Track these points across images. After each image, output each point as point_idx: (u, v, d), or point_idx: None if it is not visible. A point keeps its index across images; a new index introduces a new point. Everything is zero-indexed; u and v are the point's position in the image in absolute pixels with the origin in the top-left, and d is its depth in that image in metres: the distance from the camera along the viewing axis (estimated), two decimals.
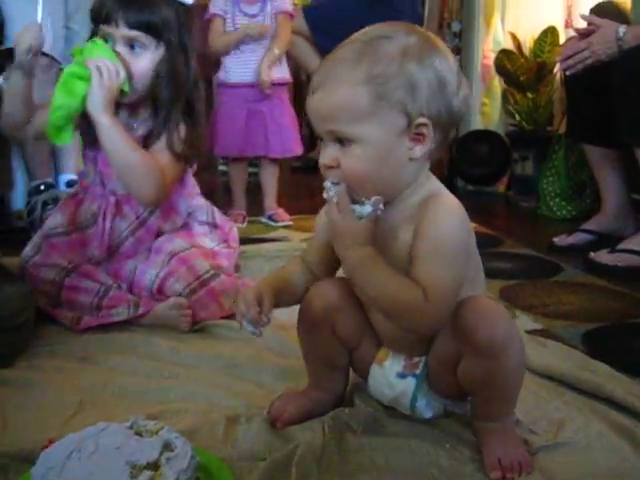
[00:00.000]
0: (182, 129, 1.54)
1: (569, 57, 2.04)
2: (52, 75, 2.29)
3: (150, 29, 1.48)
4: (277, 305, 1.01)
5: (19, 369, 1.24)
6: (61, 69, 2.27)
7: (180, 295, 1.50)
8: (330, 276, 1.06)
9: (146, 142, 1.53)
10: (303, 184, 3.31)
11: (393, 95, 0.87)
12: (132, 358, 1.32)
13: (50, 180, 2.50)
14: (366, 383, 1.07)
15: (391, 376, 1.01)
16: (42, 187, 2.44)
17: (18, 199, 2.56)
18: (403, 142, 0.89)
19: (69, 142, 1.49)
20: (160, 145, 1.52)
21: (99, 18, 1.48)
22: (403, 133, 0.89)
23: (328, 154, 0.91)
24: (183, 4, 1.56)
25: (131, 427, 0.88)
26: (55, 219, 1.60)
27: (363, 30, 0.92)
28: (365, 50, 0.88)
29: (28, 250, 1.58)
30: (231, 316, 1.45)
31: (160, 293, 1.52)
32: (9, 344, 1.30)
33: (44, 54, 2.23)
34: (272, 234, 2.36)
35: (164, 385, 1.20)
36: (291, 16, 2.54)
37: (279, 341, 1.36)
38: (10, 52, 1.55)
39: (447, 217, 0.91)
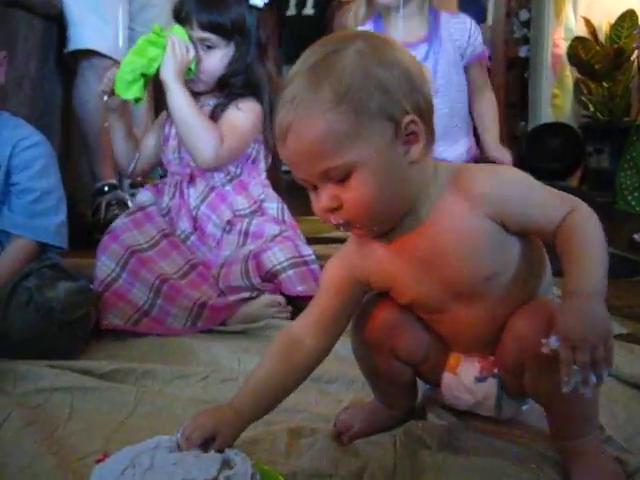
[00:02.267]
0: (249, 103, 1.63)
1: None
2: None
3: (219, 30, 1.61)
4: (259, 417, 0.90)
5: (73, 373, 1.20)
6: None
7: (280, 265, 1.47)
8: (328, 348, 0.94)
9: (214, 110, 1.64)
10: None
11: (370, 104, 0.77)
12: (192, 364, 1.27)
13: (114, 181, 2.49)
14: (438, 391, 0.99)
15: (469, 382, 0.93)
16: (106, 188, 2.44)
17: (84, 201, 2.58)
18: (398, 148, 0.80)
19: (138, 95, 1.59)
20: (224, 116, 1.62)
21: (178, 17, 1.63)
22: (395, 139, 0.79)
23: (326, 196, 0.80)
24: (254, 6, 1.67)
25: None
26: (135, 236, 1.56)
27: (304, 57, 0.82)
28: (319, 72, 0.78)
29: (111, 264, 1.51)
30: None
31: (257, 266, 1.49)
32: (65, 339, 1.31)
33: (106, 56, 2.25)
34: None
35: (223, 392, 1.15)
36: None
37: (347, 348, 1.28)
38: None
39: (496, 172, 0.86)
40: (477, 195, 0.83)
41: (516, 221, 0.83)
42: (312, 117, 0.77)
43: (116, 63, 2.28)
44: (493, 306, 0.87)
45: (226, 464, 0.79)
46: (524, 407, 0.97)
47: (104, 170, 2.39)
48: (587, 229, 0.80)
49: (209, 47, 1.62)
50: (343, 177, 0.79)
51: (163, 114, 1.72)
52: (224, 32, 1.61)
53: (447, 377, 0.96)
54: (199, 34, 1.61)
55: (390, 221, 0.85)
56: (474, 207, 0.83)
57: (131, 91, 1.58)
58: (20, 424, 1.03)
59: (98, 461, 0.83)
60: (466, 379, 0.93)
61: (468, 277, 0.86)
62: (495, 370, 0.92)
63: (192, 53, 1.58)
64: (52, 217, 1.47)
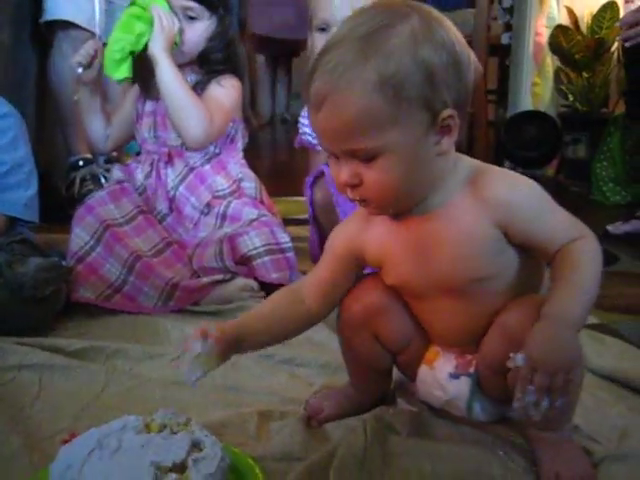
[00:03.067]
0: (231, 80, 1.61)
1: (630, 27, 1.91)
2: None
3: (204, 0, 1.57)
4: (248, 348, 0.92)
5: (43, 351, 1.18)
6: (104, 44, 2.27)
7: (255, 250, 1.46)
8: (326, 314, 0.96)
9: (195, 87, 1.59)
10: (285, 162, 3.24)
11: (412, 93, 0.76)
12: (163, 344, 1.26)
13: (89, 156, 2.45)
14: (414, 386, 0.99)
15: (443, 377, 0.92)
16: (81, 163, 2.40)
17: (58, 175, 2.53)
18: (430, 138, 0.79)
19: (127, 75, 1.55)
20: (207, 93, 1.59)
21: None
22: (429, 129, 0.79)
23: (348, 171, 0.80)
24: None
25: (158, 420, 0.82)
26: (111, 210, 1.54)
27: (352, 22, 0.79)
28: (370, 47, 0.76)
29: (85, 236, 1.48)
30: None
31: (232, 249, 1.48)
32: (35, 315, 1.30)
33: (83, 28, 2.20)
34: None
35: None
36: None
37: (320, 333, 1.29)
38: None
39: (515, 179, 0.85)
40: (488, 199, 0.83)
41: (519, 233, 0.83)
42: (352, 94, 0.75)
43: (93, 35, 2.25)
44: (479, 307, 0.87)
45: (195, 446, 0.78)
46: (497, 415, 0.95)
47: (79, 144, 2.35)
48: (584, 261, 0.80)
49: (191, 18, 1.57)
50: (370, 158, 0.78)
51: (135, 88, 1.68)
52: (209, 3, 1.58)
53: (423, 370, 0.96)
54: (183, 2, 1.56)
55: (406, 205, 0.85)
56: (482, 210, 0.83)
57: (120, 71, 1.53)
58: None
59: (64, 442, 0.82)
60: (440, 374, 0.93)
61: (457, 275, 0.86)
62: (471, 370, 0.91)
63: (177, 25, 1.55)
64: (22, 191, 1.45)
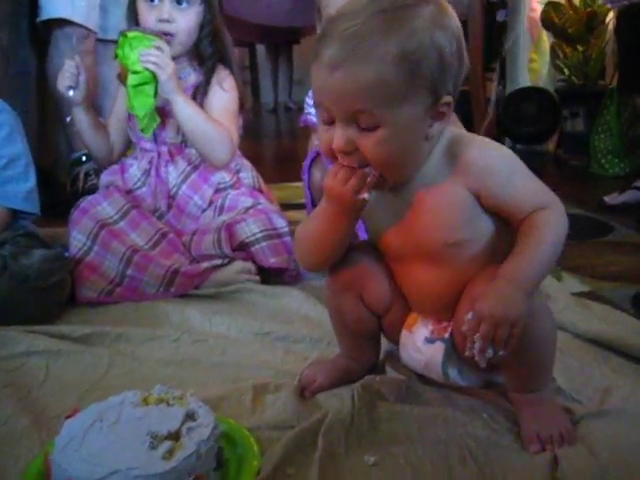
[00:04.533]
0: (229, 79, 1.64)
1: None
2: (88, 45, 2.28)
3: None
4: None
5: (49, 338, 1.23)
6: (99, 40, 2.31)
7: (253, 236, 1.49)
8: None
9: (196, 91, 1.62)
10: (288, 149, 3.26)
11: (426, 73, 0.80)
12: (164, 327, 1.31)
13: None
14: (398, 351, 1.03)
15: (419, 341, 0.96)
16: (84, 158, 2.44)
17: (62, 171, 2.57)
18: (426, 121, 0.83)
19: (159, 120, 1.60)
20: (216, 105, 1.61)
21: None
22: (427, 112, 0.82)
23: (343, 137, 0.82)
24: None
25: (155, 395, 0.87)
26: (104, 209, 1.58)
27: None
28: (392, 22, 0.78)
29: (82, 238, 1.52)
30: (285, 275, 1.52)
31: (230, 236, 1.51)
32: (40, 305, 1.33)
33: (79, 25, 2.24)
34: None
35: (193, 352, 1.19)
36: None
37: (315, 310, 1.33)
38: None
39: (488, 144, 0.88)
40: (462, 164, 0.86)
41: (491, 198, 0.86)
42: (372, 62, 0.78)
43: (90, 33, 2.29)
44: (454, 272, 0.90)
45: (190, 416, 0.83)
46: (477, 380, 0.98)
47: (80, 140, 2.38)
48: (547, 230, 0.84)
49: (183, 5, 1.58)
50: (370, 126, 0.81)
51: (122, 94, 1.67)
52: None
53: (404, 335, 0.99)
54: None
55: (398, 178, 0.88)
56: (457, 175, 0.86)
57: (153, 126, 1.59)
58: None
59: (68, 417, 0.86)
60: (418, 338, 0.97)
61: (433, 239, 0.89)
62: (446, 335, 0.94)
63: (166, 48, 1.53)
64: (21, 183, 1.49)
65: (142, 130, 1.60)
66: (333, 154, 0.85)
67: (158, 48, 1.53)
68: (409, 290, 0.98)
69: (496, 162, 0.86)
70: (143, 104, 1.56)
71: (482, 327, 0.78)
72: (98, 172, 2.37)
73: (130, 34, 1.55)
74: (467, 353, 0.80)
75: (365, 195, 0.85)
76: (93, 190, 2.22)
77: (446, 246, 0.89)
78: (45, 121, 2.46)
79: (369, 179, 0.84)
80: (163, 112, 1.60)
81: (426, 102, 0.81)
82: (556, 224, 0.84)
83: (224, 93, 1.62)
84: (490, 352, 0.79)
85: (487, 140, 0.90)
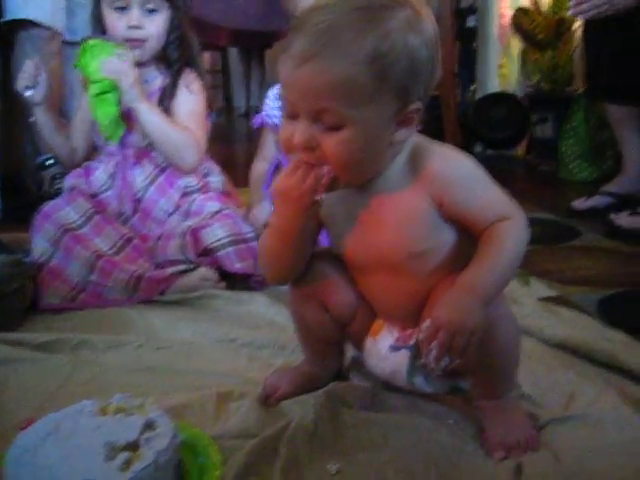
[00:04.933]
0: (196, 82, 1.63)
1: (582, 2, 1.94)
2: (54, 47, 2.25)
3: None
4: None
5: (8, 345, 1.20)
6: (64, 42, 2.27)
7: (219, 241, 1.48)
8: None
9: (163, 94, 1.61)
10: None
11: (396, 77, 0.78)
12: (127, 333, 1.28)
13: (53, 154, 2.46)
14: (363, 358, 1.02)
15: (384, 349, 0.94)
16: (50, 161, 2.40)
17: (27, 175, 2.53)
18: (391, 126, 0.81)
19: (125, 129, 1.59)
20: (183, 108, 1.59)
21: None
22: (393, 117, 0.81)
23: (306, 133, 0.80)
24: None
25: (114, 404, 0.85)
26: (67, 213, 1.54)
27: None
28: (367, 20, 0.77)
29: (44, 243, 1.50)
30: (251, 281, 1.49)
31: (195, 241, 1.49)
32: (0, 311, 1.30)
33: (45, 27, 2.20)
34: None
35: (155, 360, 1.17)
36: None
37: (281, 315, 1.31)
38: None
39: (451, 154, 0.87)
40: (423, 174, 0.85)
41: (452, 208, 0.85)
42: (343, 58, 0.76)
43: (56, 34, 2.26)
44: (419, 281, 0.89)
45: (149, 426, 0.81)
46: (443, 387, 0.96)
47: (43, 142, 2.34)
48: (507, 241, 0.83)
49: (151, 11, 1.57)
50: (334, 126, 0.79)
51: (86, 96, 1.64)
52: None
53: (369, 342, 0.98)
54: None
55: (353, 180, 0.86)
56: (418, 185, 0.85)
57: (119, 133, 1.58)
58: None
59: (22, 429, 0.84)
60: (382, 346, 0.95)
61: (395, 250, 0.88)
62: (411, 342, 0.92)
63: (130, 56, 1.53)
64: None
65: (108, 138, 1.59)
66: (292, 148, 0.82)
67: (119, 56, 1.51)
68: (373, 299, 0.97)
69: (458, 172, 0.85)
70: (106, 113, 1.55)
71: (439, 335, 0.77)
72: (64, 176, 2.35)
73: (91, 42, 1.54)
74: (423, 360, 0.79)
75: (321, 196, 0.83)
76: (59, 194, 2.19)
77: (409, 257, 0.88)
78: (11, 124, 2.41)
79: (324, 180, 0.82)
80: (128, 116, 1.58)
81: (393, 107, 0.80)
82: (517, 234, 0.84)
83: (191, 95, 1.61)
84: (446, 360, 0.78)
85: (450, 149, 0.88)
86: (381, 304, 0.96)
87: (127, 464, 0.75)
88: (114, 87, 1.52)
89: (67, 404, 0.86)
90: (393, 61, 0.77)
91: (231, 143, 4.37)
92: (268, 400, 1.00)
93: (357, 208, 0.89)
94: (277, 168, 1.58)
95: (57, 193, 2.25)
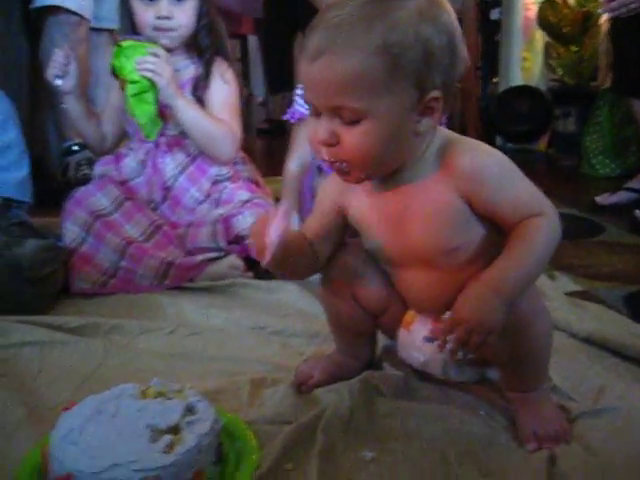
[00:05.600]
0: (229, 71, 1.65)
1: (611, 0, 1.94)
2: (82, 33, 2.26)
3: None
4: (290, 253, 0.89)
5: (43, 328, 1.22)
6: (92, 28, 2.29)
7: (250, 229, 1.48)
8: (330, 255, 0.97)
9: (197, 84, 1.62)
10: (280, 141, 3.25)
11: (409, 66, 0.78)
12: (159, 319, 1.30)
13: (82, 140, 2.48)
14: (396, 347, 1.03)
15: (419, 340, 0.96)
16: (75, 147, 2.42)
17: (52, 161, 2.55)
18: (412, 116, 0.81)
19: (161, 124, 1.62)
20: (217, 99, 1.61)
21: None
22: (413, 107, 0.80)
23: (326, 129, 0.80)
24: None
25: (154, 388, 0.86)
26: (98, 200, 1.56)
27: None
28: (377, 12, 0.77)
29: (76, 229, 1.52)
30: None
31: (226, 229, 1.51)
32: (34, 295, 1.33)
33: (73, 13, 2.22)
34: None
35: (189, 346, 1.18)
36: None
37: (310, 305, 1.33)
38: None
39: (480, 149, 0.86)
40: (453, 169, 0.84)
41: (482, 204, 0.84)
42: (354, 51, 0.76)
43: (83, 21, 2.27)
44: (450, 276, 0.88)
45: (189, 410, 0.82)
46: (475, 376, 0.98)
47: (72, 129, 2.36)
48: (537, 237, 0.82)
49: (180, 1, 1.57)
50: (353, 120, 0.79)
51: (116, 83, 1.66)
52: None
53: (402, 333, 0.99)
54: None
55: (376, 175, 0.87)
56: (449, 180, 0.84)
57: (157, 129, 1.61)
58: None
59: (65, 409, 0.85)
60: (417, 337, 0.96)
61: (428, 247, 0.88)
62: None
63: (162, 52, 1.54)
64: (14, 172, 1.48)
65: (146, 136, 1.61)
66: (319, 146, 0.83)
67: (154, 54, 1.53)
68: (405, 291, 0.97)
69: (487, 168, 0.84)
70: (145, 112, 1.58)
71: (457, 331, 0.77)
72: (90, 162, 2.36)
73: (124, 44, 1.56)
74: (439, 350, 0.80)
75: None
76: (84, 180, 2.20)
77: (442, 253, 0.88)
78: (37, 110, 2.43)
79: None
80: (161, 106, 1.59)
81: (411, 96, 0.79)
82: (547, 231, 0.82)
83: (226, 86, 1.63)
84: (460, 354, 0.78)
85: (479, 144, 0.88)
86: (414, 297, 0.96)
87: (170, 447, 0.76)
88: (151, 86, 1.55)
89: (102, 388, 0.88)
90: (404, 50, 0.77)
91: (250, 132, 4.38)
92: (301, 387, 1.01)
93: (388, 205, 0.89)
94: (319, 170, 1.56)
95: (82, 179, 2.28)
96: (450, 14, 0.82)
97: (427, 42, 0.78)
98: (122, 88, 1.60)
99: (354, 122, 0.79)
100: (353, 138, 0.80)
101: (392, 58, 0.77)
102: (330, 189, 0.96)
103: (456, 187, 0.84)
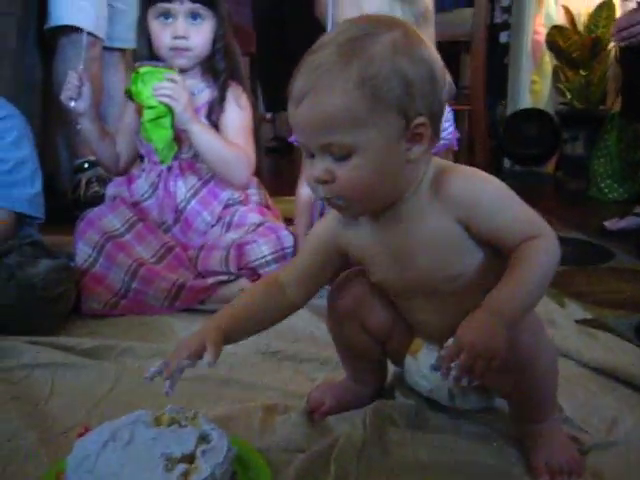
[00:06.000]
0: (243, 96, 1.66)
1: (624, 29, 1.96)
2: (95, 53, 2.28)
3: (207, 1, 1.59)
4: (235, 340, 0.94)
5: (55, 349, 1.23)
6: (104, 47, 2.31)
7: (263, 258, 1.49)
8: (304, 302, 0.98)
9: (212, 108, 1.64)
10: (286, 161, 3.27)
11: (389, 96, 0.79)
12: (170, 342, 1.30)
13: (93, 158, 2.49)
14: (404, 374, 1.03)
15: (425, 368, 0.96)
16: (86, 165, 2.44)
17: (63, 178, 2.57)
18: (401, 144, 0.82)
19: (177, 149, 1.64)
20: (232, 124, 1.62)
21: None
22: (401, 135, 0.82)
23: (321, 167, 0.82)
24: None
25: (167, 415, 0.87)
26: (110, 221, 1.58)
27: (338, 29, 0.84)
28: (351, 51, 0.79)
29: (88, 249, 1.53)
30: None
31: (239, 255, 1.51)
32: (46, 315, 1.33)
33: (88, 32, 2.24)
34: None
35: (200, 370, 1.17)
36: None
37: (321, 329, 1.33)
38: None
39: (474, 175, 0.86)
40: (448, 197, 0.85)
41: (480, 229, 0.85)
42: (333, 90, 0.79)
43: (97, 40, 2.29)
44: (455, 304, 0.89)
45: (203, 439, 0.83)
46: (482, 403, 0.99)
47: (83, 147, 2.39)
48: (537, 260, 0.82)
49: (197, 20, 1.59)
50: (343, 155, 0.81)
51: (130, 104, 1.68)
52: (211, 3, 1.60)
53: (408, 360, 1.00)
54: (189, 6, 1.57)
55: (374, 208, 0.88)
56: (445, 208, 0.85)
57: (172, 153, 1.62)
58: (3, 399, 1.06)
59: (79, 435, 0.86)
60: (423, 365, 0.97)
61: (430, 276, 0.89)
62: (452, 363, 0.94)
63: (178, 77, 1.56)
64: (27, 188, 1.49)
65: (161, 161, 1.63)
66: (316, 184, 0.84)
67: (171, 80, 1.55)
68: (411, 320, 0.98)
69: (483, 193, 0.85)
70: (161, 137, 1.59)
71: (462, 357, 0.76)
72: (100, 180, 2.39)
73: (142, 70, 1.57)
74: (442, 378, 0.78)
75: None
76: (95, 198, 2.23)
77: (445, 281, 0.88)
78: (47, 127, 2.46)
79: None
80: (177, 131, 1.61)
81: (397, 125, 0.81)
82: (546, 252, 0.83)
83: (241, 111, 1.64)
84: (465, 381, 0.77)
85: (475, 170, 0.88)
86: (420, 325, 0.97)
87: (185, 476, 0.77)
88: (168, 111, 1.56)
89: (114, 411, 0.88)
90: (382, 82, 0.79)
91: (257, 150, 4.39)
92: (313, 415, 1.02)
93: (387, 238, 0.90)
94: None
95: (92, 197, 2.29)
96: (427, 47, 0.84)
97: (404, 73, 0.80)
98: (139, 113, 1.61)
99: (345, 157, 0.81)
100: (346, 173, 0.81)
101: (371, 90, 0.78)
102: (322, 231, 0.97)
103: (454, 214, 0.85)
